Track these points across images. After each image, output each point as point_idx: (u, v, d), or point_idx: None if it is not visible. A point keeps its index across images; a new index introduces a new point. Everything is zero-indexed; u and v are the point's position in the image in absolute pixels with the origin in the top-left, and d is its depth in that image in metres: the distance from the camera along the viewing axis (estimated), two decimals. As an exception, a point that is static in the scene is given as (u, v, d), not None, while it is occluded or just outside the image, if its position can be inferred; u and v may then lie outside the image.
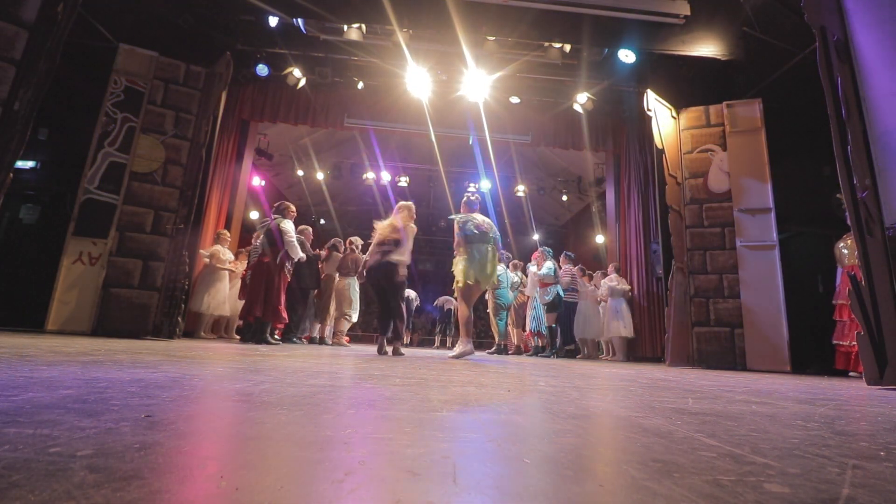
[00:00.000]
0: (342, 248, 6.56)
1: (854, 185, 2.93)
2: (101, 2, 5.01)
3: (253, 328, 4.88)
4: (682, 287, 5.29)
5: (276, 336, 5.23)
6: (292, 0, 5.48)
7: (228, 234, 6.45)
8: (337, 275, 6.43)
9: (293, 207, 5.31)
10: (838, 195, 2.87)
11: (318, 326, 6.49)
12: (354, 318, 6.51)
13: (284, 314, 5.03)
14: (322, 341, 6.45)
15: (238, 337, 6.45)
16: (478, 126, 7.70)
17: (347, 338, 7.49)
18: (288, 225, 5.03)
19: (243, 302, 5.84)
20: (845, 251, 4.39)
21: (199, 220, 5.77)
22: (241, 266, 6.28)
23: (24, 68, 2.77)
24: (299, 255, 5.07)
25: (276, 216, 5.11)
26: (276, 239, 4.93)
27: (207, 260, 6.05)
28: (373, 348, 5.04)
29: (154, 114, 5.07)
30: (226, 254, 6.24)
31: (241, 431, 0.78)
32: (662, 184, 5.80)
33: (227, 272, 6.24)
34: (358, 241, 6.65)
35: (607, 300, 6.74)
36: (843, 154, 3.00)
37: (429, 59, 6.74)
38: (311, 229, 6.24)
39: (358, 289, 6.47)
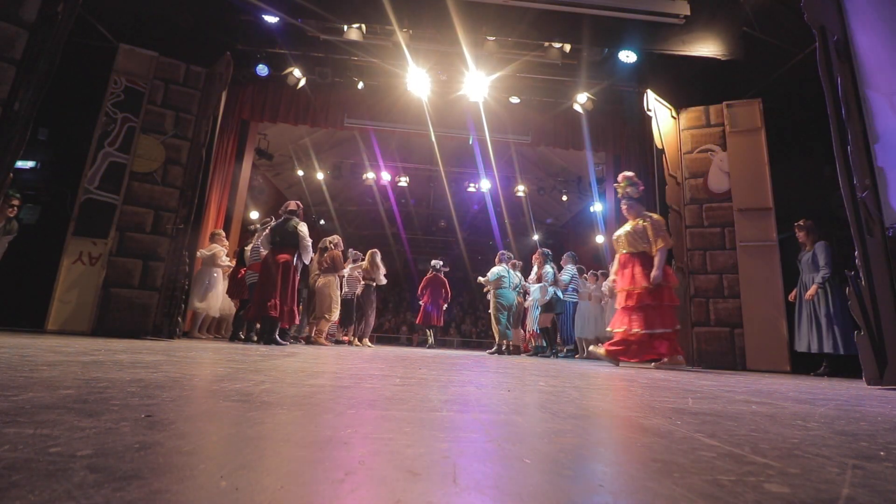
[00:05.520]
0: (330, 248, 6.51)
1: (854, 185, 2.92)
2: (101, 2, 5.01)
3: (263, 328, 4.84)
4: (682, 287, 5.29)
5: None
6: (292, 0, 5.48)
7: (224, 235, 6.41)
8: (318, 273, 6.35)
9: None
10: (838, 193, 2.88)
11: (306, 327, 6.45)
12: (334, 317, 6.40)
13: (297, 316, 5.00)
14: (308, 341, 6.39)
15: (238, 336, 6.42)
16: (478, 126, 7.70)
17: (347, 338, 7.45)
18: (303, 228, 4.92)
19: (238, 301, 5.84)
20: (617, 240, 4.44)
21: (198, 220, 5.74)
22: (232, 265, 6.24)
23: (24, 68, 2.77)
24: (311, 258, 5.08)
25: (289, 217, 4.96)
26: (289, 240, 4.85)
27: (204, 258, 6.02)
28: (375, 349, 5.01)
29: (154, 114, 5.07)
30: (224, 254, 6.22)
31: (241, 431, 0.78)
32: (662, 184, 5.80)
33: (220, 273, 6.18)
34: (337, 239, 6.55)
35: (608, 300, 6.73)
36: (843, 154, 3.00)
37: (429, 59, 6.74)
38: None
39: (338, 287, 6.42)
